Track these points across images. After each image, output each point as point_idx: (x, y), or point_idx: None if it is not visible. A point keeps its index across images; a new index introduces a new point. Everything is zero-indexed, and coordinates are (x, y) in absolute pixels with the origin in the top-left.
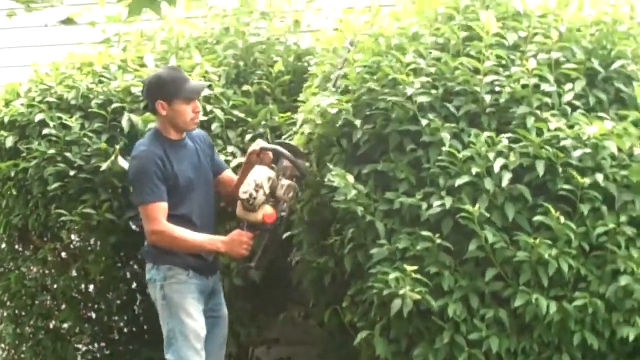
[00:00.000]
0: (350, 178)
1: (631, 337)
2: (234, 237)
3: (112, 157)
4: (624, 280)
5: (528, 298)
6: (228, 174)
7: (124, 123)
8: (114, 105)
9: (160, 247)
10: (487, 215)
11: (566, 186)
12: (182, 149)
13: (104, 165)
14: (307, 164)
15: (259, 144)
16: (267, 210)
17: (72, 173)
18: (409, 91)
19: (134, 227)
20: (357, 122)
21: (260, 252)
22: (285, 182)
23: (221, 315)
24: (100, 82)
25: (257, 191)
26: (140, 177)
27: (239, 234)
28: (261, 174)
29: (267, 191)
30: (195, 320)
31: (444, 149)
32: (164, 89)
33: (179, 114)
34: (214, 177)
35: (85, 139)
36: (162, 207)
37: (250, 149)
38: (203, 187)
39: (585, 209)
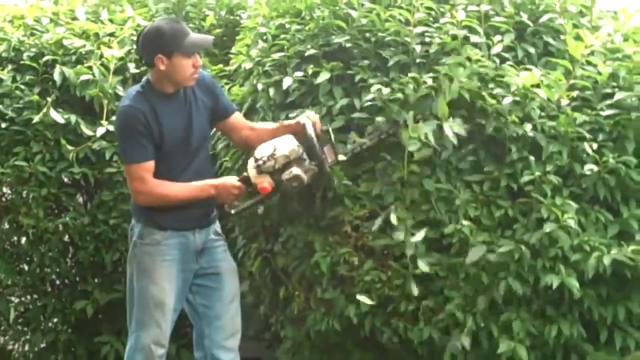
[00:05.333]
0: None
1: (555, 285)
2: (227, 185)
3: (45, 110)
4: (548, 228)
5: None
6: (237, 118)
7: (56, 76)
8: (46, 57)
9: (147, 206)
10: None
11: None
12: (174, 102)
13: (36, 118)
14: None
15: (310, 118)
16: (264, 183)
17: (4, 125)
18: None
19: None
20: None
21: (244, 206)
22: (296, 171)
23: (221, 272)
24: (32, 34)
25: (269, 159)
26: (123, 135)
27: (232, 185)
28: (285, 146)
29: (277, 166)
30: (161, 288)
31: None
32: (164, 42)
33: (178, 69)
34: (220, 121)
35: (17, 92)
36: (147, 167)
37: (300, 118)
38: (198, 141)
39: (513, 155)
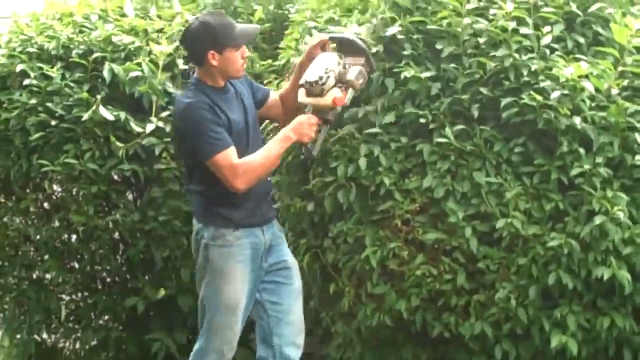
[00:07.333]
0: None
1: (605, 277)
2: (302, 121)
3: (94, 107)
4: (599, 220)
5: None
6: (273, 96)
7: (105, 73)
8: (95, 55)
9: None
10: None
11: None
12: (227, 95)
13: (86, 115)
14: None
15: (320, 36)
16: (337, 94)
17: (53, 123)
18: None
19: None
20: None
21: (320, 141)
22: (355, 67)
23: (290, 267)
24: (81, 32)
25: (327, 74)
26: (195, 131)
27: (307, 117)
28: (331, 59)
29: (337, 76)
30: (235, 289)
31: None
32: (215, 38)
33: (230, 62)
34: (263, 105)
35: (67, 89)
36: (232, 151)
37: (311, 44)
38: (253, 131)
39: (564, 148)
